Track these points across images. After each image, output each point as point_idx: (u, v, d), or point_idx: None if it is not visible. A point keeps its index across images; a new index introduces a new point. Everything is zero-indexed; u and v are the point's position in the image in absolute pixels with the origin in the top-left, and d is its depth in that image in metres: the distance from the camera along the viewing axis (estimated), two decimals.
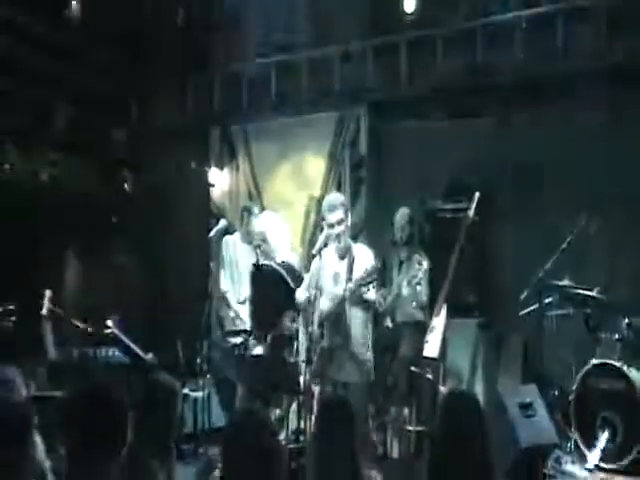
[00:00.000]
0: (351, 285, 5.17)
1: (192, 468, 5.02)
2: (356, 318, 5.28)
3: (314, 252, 5.49)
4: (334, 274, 5.41)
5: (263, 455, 2.87)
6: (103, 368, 5.97)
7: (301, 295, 5.50)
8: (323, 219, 5.53)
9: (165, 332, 8.05)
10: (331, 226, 5.39)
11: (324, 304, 5.34)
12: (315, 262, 5.51)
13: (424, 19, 7.49)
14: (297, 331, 5.75)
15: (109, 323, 5.96)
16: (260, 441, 2.89)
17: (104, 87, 8.64)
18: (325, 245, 5.44)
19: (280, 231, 6.45)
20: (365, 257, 5.40)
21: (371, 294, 5.25)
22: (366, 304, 5.27)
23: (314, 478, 3.18)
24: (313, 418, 5.14)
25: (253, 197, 8.41)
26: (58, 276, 8.11)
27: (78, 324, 6.05)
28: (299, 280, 5.93)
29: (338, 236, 5.39)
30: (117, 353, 6.10)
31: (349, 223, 5.54)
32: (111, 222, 8.64)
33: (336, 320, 5.26)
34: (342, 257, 5.40)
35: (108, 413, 2.87)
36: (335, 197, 5.69)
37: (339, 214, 5.39)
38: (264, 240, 6.28)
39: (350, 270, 5.29)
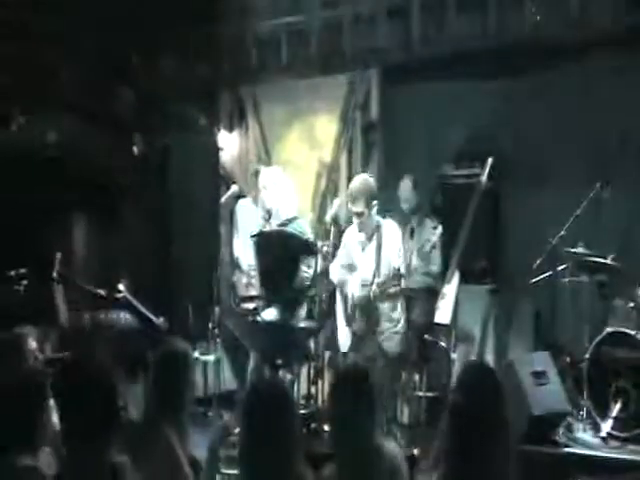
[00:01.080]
0: (375, 288, 5.14)
1: (206, 433, 5.02)
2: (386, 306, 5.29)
3: (328, 218, 5.44)
4: (362, 256, 5.35)
5: (281, 422, 2.86)
6: (114, 333, 5.95)
7: (335, 272, 5.45)
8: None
9: (176, 296, 8.03)
10: (355, 214, 5.31)
11: (354, 287, 5.31)
12: (344, 238, 5.44)
13: None
14: (314, 276, 5.64)
15: (121, 287, 5.94)
16: (279, 408, 2.88)
17: (111, 47, 8.52)
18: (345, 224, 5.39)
19: (282, 183, 6.23)
20: (393, 237, 5.33)
21: (394, 290, 5.21)
22: (391, 299, 5.25)
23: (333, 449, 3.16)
24: (326, 384, 5.15)
25: (263, 160, 8.33)
26: (69, 240, 8.08)
27: (89, 288, 6.03)
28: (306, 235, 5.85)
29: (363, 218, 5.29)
30: (128, 317, 6.08)
31: (375, 206, 5.39)
32: (120, 185, 8.57)
33: (366, 306, 5.24)
34: (369, 238, 5.33)
35: (95, 382, 2.85)
36: (359, 185, 5.44)
37: (360, 206, 5.27)
38: (265, 187, 6.09)
39: (378, 254, 5.22)
